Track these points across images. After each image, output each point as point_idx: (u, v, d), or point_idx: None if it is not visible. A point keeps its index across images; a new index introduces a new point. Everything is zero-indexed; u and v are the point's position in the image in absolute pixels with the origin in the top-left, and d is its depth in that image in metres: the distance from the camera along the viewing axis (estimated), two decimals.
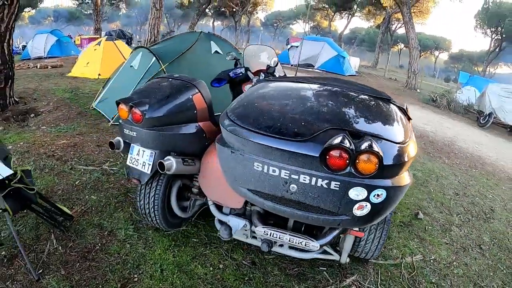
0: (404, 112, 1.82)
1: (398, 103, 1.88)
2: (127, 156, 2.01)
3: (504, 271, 2.56)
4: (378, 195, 1.40)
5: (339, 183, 1.37)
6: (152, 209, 2.12)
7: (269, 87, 1.95)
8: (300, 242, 1.70)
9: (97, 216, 2.45)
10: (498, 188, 4.40)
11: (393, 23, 29.21)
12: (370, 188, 1.38)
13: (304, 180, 1.41)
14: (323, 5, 32.87)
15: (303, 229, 1.87)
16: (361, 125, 1.49)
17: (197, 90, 2.07)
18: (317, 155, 1.35)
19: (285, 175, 1.44)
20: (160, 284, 1.92)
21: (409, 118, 1.81)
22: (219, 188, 1.87)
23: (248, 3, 32.43)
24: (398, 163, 1.42)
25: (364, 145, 1.32)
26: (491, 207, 3.71)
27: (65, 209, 2.31)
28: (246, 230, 1.92)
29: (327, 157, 1.34)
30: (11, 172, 1.79)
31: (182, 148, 2.00)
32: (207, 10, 28.27)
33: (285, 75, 2.98)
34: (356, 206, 1.42)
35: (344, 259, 1.99)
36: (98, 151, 3.60)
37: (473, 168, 5.16)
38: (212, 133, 2.11)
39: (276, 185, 1.48)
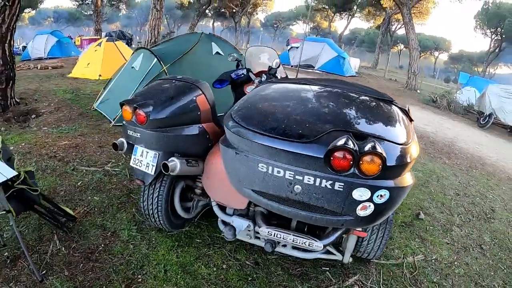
0: (406, 113, 1.84)
1: (400, 104, 1.89)
2: (130, 157, 2.02)
3: (505, 270, 2.57)
4: (381, 195, 1.41)
5: (343, 184, 1.39)
6: (156, 210, 2.12)
7: (273, 89, 1.97)
8: (304, 242, 1.71)
9: (100, 217, 2.46)
10: (498, 189, 4.42)
11: (393, 23, 29.24)
12: (373, 189, 1.39)
13: (308, 181, 1.42)
14: (323, 6, 32.89)
15: (306, 229, 1.88)
16: (365, 126, 1.51)
17: (200, 92, 2.08)
18: (322, 156, 1.36)
19: (289, 176, 1.45)
20: (164, 285, 1.92)
21: (411, 120, 1.83)
22: (223, 189, 1.88)
23: (248, 4, 32.51)
24: (401, 164, 1.43)
25: (368, 147, 1.33)
26: (491, 207, 3.72)
27: (68, 210, 2.32)
28: (249, 230, 1.93)
29: (331, 158, 1.36)
30: (15, 173, 1.78)
31: (185, 149, 2.01)
32: (207, 11, 28.29)
33: (287, 76, 2.99)
34: (360, 206, 1.43)
35: (347, 259, 2.00)
36: (100, 152, 3.61)
37: (474, 168, 5.17)
38: (215, 134, 2.12)
39: (281, 186, 1.49)
